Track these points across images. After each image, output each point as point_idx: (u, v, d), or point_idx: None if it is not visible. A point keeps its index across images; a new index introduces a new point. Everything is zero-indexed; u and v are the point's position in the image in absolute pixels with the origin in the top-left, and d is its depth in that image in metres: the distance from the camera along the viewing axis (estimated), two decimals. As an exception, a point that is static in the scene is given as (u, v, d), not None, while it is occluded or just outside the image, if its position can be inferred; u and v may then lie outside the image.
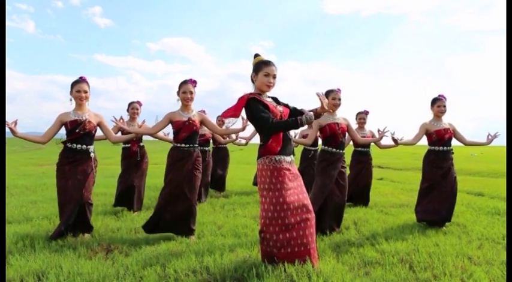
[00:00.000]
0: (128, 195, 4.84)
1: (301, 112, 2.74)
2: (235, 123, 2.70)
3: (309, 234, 2.54)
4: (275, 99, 2.78)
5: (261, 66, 2.62)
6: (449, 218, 4.03)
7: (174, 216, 3.49)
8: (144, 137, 4.91)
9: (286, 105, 2.80)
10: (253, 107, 2.57)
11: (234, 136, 5.35)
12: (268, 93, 2.72)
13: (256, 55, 2.73)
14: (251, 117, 2.64)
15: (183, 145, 3.55)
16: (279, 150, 2.57)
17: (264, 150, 2.59)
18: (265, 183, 2.56)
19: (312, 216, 2.59)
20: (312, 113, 2.60)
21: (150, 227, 3.51)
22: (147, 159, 5.07)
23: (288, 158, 2.63)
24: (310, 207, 2.61)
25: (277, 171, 2.54)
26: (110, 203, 5.16)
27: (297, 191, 2.60)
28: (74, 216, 3.38)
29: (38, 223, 4.02)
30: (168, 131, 3.83)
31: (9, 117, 3.11)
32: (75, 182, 3.38)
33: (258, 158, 2.64)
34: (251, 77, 2.70)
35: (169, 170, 3.54)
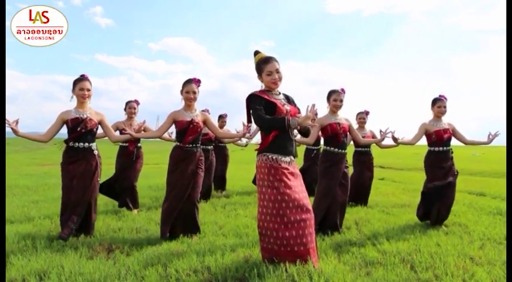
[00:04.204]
0: (121, 195, 4.86)
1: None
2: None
3: (308, 234, 2.54)
4: (287, 97, 2.75)
5: (262, 67, 2.61)
6: (446, 216, 4.05)
7: (178, 217, 3.50)
8: None
9: (295, 107, 2.77)
10: (252, 102, 2.60)
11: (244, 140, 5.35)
12: (280, 90, 2.71)
13: (257, 52, 2.69)
14: (249, 109, 2.66)
15: (185, 145, 3.54)
16: (276, 149, 2.57)
17: (260, 146, 2.62)
18: (264, 180, 2.56)
19: (311, 216, 2.59)
20: (292, 120, 2.47)
21: (166, 233, 3.49)
22: (142, 160, 5.06)
23: (287, 158, 2.61)
24: (309, 207, 2.60)
25: (275, 169, 2.54)
26: (111, 203, 5.17)
27: (297, 190, 2.59)
28: (82, 217, 3.41)
29: (39, 223, 4.03)
30: (171, 130, 3.84)
31: (10, 118, 3.12)
32: (81, 181, 3.39)
33: (257, 154, 2.65)
34: (258, 78, 2.68)
35: (172, 171, 3.53)
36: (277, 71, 2.60)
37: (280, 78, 2.62)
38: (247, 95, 2.65)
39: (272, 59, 2.61)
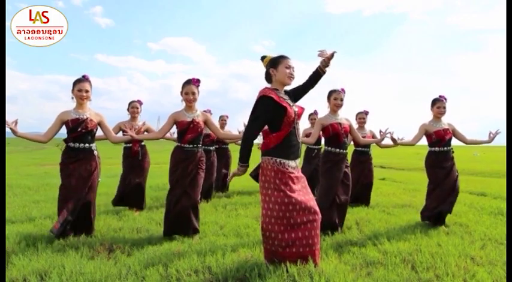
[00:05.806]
0: (129, 195, 4.84)
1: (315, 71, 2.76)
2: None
3: (315, 235, 2.55)
4: (289, 94, 2.74)
5: (280, 60, 2.62)
6: (450, 210, 4.02)
7: (178, 217, 3.49)
8: None
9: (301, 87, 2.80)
10: (260, 104, 2.54)
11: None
12: (286, 87, 2.71)
13: (264, 57, 2.71)
14: (251, 112, 2.59)
15: (186, 145, 3.55)
16: (285, 154, 2.56)
17: (265, 145, 2.59)
18: (269, 182, 2.55)
19: (319, 217, 2.59)
20: (243, 168, 2.63)
21: (169, 231, 3.52)
22: (148, 159, 5.08)
23: (293, 163, 2.61)
24: (317, 208, 2.60)
25: (281, 173, 2.53)
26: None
27: (302, 193, 2.59)
28: (76, 215, 3.37)
29: (40, 223, 4.03)
30: (173, 130, 3.84)
31: (11, 118, 3.12)
32: (80, 180, 3.39)
33: (262, 155, 2.63)
34: (270, 73, 2.64)
35: (174, 171, 3.54)
36: (293, 69, 2.64)
37: (294, 77, 2.66)
38: (259, 94, 2.57)
39: (290, 58, 2.65)
